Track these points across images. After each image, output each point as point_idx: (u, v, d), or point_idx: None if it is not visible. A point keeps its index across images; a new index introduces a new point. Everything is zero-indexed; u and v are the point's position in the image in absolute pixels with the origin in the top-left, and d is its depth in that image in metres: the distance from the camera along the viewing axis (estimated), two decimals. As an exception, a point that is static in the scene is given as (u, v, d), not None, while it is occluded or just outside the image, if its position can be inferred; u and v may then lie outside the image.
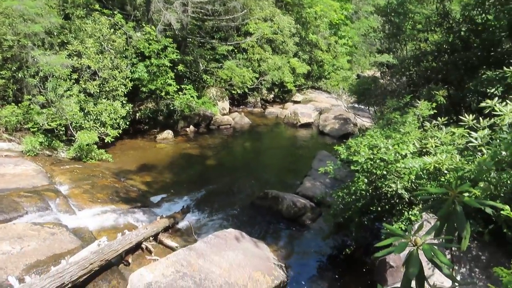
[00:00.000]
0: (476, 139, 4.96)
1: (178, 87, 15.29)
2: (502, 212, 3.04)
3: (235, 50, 20.43)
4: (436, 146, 5.80)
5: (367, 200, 6.64)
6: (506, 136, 4.17)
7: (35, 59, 11.59)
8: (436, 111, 7.39)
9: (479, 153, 4.94)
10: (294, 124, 19.81)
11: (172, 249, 7.33)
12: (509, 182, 3.90)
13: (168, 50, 14.77)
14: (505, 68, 5.94)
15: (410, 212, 5.76)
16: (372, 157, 6.10)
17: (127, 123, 13.86)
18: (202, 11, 17.14)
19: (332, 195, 7.69)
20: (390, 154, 5.91)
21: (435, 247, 1.64)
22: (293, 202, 9.28)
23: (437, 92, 8.59)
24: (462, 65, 9.41)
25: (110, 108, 12.91)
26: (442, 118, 6.37)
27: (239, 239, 7.20)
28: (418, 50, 11.69)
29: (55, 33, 12.74)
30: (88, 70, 12.89)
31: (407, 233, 1.74)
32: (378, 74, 18.95)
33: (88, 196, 9.10)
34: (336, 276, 7.17)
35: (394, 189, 5.84)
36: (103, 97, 13.16)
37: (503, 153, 3.99)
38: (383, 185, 6.01)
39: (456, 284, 1.92)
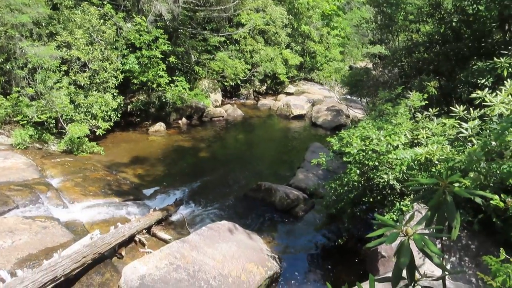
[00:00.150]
0: (466, 129, 5.00)
1: (170, 79, 15.15)
2: (491, 201, 3.09)
3: (227, 42, 20.27)
4: (427, 137, 5.85)
5: (359, 191, 6.70)
6: (496, 126, 4.21)
7: (23, 51, 11.36)
8: (427, 102, 7.44)
9: (470, 144, 4.99)
10: (287, 116, 19.80)
11: (166, 242, 7.33)
12: (498, 172, 3.95)
13: (159, 42, 14.59)
14: (495, 59, 5.97)
15: (401, 203, 5.82)
16: (364, 148, 6.14)
17: (119, 115, 13.73)
18: (194, 1, 16.91)
19: (324, 187, 7.74)
20: (382, 145, 5.95)
21: (426, 237, 1.66)
22: (286, 193, 9.32)
23: (429, 83, 8.64)
24: (453, 56, 9.45)
25: (101, 100, 12.75)
26: (433, 109, 6.41)
27: (233, 231, 7.22)
28: (410, 41, 11.72)
29: (43, 24, 12.49)
30: (77, 62, 12.70)
31: (398, 224, 1.76)
32: (370, 66, 18.96)
33: (80, 189, 9.03)
34: (329, 267, 7.25)
35: (386, 180, 5.90)
36: (94, 89, 12.99)
37: (493, 143, 4.04)
38: (375, 176, 6.06)
39: (446, 272, 1.95)
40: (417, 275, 1.77)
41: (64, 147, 11.78)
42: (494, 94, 4.59)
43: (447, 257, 4.97)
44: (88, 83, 12.82)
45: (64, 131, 12.02)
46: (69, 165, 10.46)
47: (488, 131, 4.57)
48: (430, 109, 6.43)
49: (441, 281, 2.11)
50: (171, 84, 15.21)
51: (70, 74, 12.52)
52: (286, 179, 11.05)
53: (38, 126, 11.73)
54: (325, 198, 7.70)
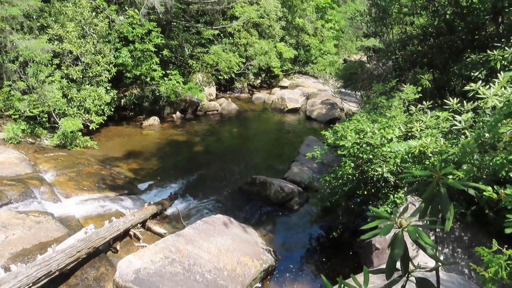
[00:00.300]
0: (460, 122, 5.03)
1: (164, 73, 15.03)
2: (484, 193, 3.11)
3: (221, 35, 20.12)
4: (421, 130, 5.88)
5: (353, 184, 6.73)
6: (489, 119, 4.23)
7: (14, 44, 11.19)
8: (421, 95, 7.46)
9: (463, 136, 5.02)
10: (281, 110, 19.79)
11: (161, 236, 7.32)
12: (491, 164, 3.99)
13: (152, 35, 14.44)
14: (488, 52, 5.99)
15: (395, 195, 5.86)
16: (358, 141, 6.15)
17: (112, 109, 13.62)
18: (187, -7, 16.75)
19: (319, 180, 7.77)
20: (376, 138, 5.97)
21: (420, 228, 1.67)
22: (280, 187, 9.34)
23: (423, 76, 8.66)
24: (447, 48, 9.47)
25: (94, 94, 12.63)
26: (427, 101, 6.43)
27: (228, 224, 7.24)
28: (404, 34, 11.71)
29: (34, 17, 12.28)
30: (70, 55, 12.54)
31: (392, 216, 1.76)
32: (364, 59, 18.97)
33: (73, 184, 8.98)
34: (324, 259, 7.31)
35: (380, 173, 5.93)
36: (87, 83, 12.86)
37: (486, 135, 4.06)
38: (369, 169, 6.09)
39: (440, 264, 1.96)
40: (411, 267, 1.78)
41: (57, 142, 11.68)
42: (487, 86, 4.61)
43: (440, 248, 5.02)
44: (81, 76, 12.68)
45: (57, 125, 11.90)
46: (63, 160, 10.37)
47: (481, 123, 4.59)
48: (424, 102, 6.45)
49: (434, 272, 2.13)
50: (165, 78, 15.10)
51: (62, 67, 12.36)
52: (281, 172, 11.07)
53: (31, 121, 11.60)
54: (320, 191, 7.73)
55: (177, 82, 15.30)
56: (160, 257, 5.88)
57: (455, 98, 5.49)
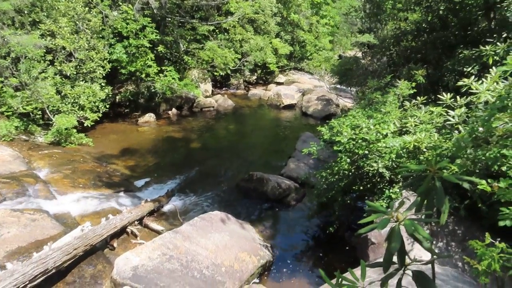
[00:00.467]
0: (453, 117, 5.09)
1: (159, 69, 14.95)
2: (478, 186, 3.16)
3: (216, 31, 20.03)
4: (415, 125, 5.93)
5: (349, 179, 6.77)
6: (482, 113, 4.28)
7: (6, 39, 11.07)
8: (415, 91, 7.52)
9: (456, 131, 5.08)
10: (277, 106, 19.80)
11: (158, 233, 7.33)
12: (484, 158, 4.04)
13: (147, 30, 14.34)
14: (481, 47, 6.05)
15: (390, 190, 5.91)
16: (354, 137, 6.20)
17: (107, 106, 13.52)
18: (181, -11, 16.64)
19: (315, 176, 7.80)
20: (372, 134, 6.01)
21: (416, 222, 1.70)
22: (277, 183, 9.38)
23: (417, 72, 8.72)
24: (440, 44, 9.54)
25: (88, 90, 12.54)
26: (421, 97, 6.48)
27: (225, 221, 7.26)
28: (398, 29, 11.76)
29: (25, 12, 12.15)
30: (63, 51, 12.43)
31: (389, 210, 1.79)
32: (359, 54, 19.02)
33: (69, 181, 8.93)
34: (320, 254, 7.37)
35: (376, 168, 5.97)
36: (81, 79, 12.76)
37: (480, 129, 4.12)
38: (365, 165, 6.13)
39: (435, 257, 2.00)
40: (407, 260, 1.81)
41: (51, 139, 11.59)
42: (480, 81, 4.67)
43: (434, 242, 5.09)
44: (75, 73, 12.58)
45: (51, 122, 11.81)
46: (57, 157, 10.31)
47: (474, 118, 4.65)
48: (418, 98, 6.51)
49: (429, 265, 2.17)
50: (160, 74, 15.03)
51: (55, 64, 12.26)
52: (277, 168, 11.11)
53: (24, 118, 11.50)
54: (316, 187, 7.78)
55: (173, 78, 15.23)
56: (158, 254, 5.89)
57: (448, 94, 5.55)
